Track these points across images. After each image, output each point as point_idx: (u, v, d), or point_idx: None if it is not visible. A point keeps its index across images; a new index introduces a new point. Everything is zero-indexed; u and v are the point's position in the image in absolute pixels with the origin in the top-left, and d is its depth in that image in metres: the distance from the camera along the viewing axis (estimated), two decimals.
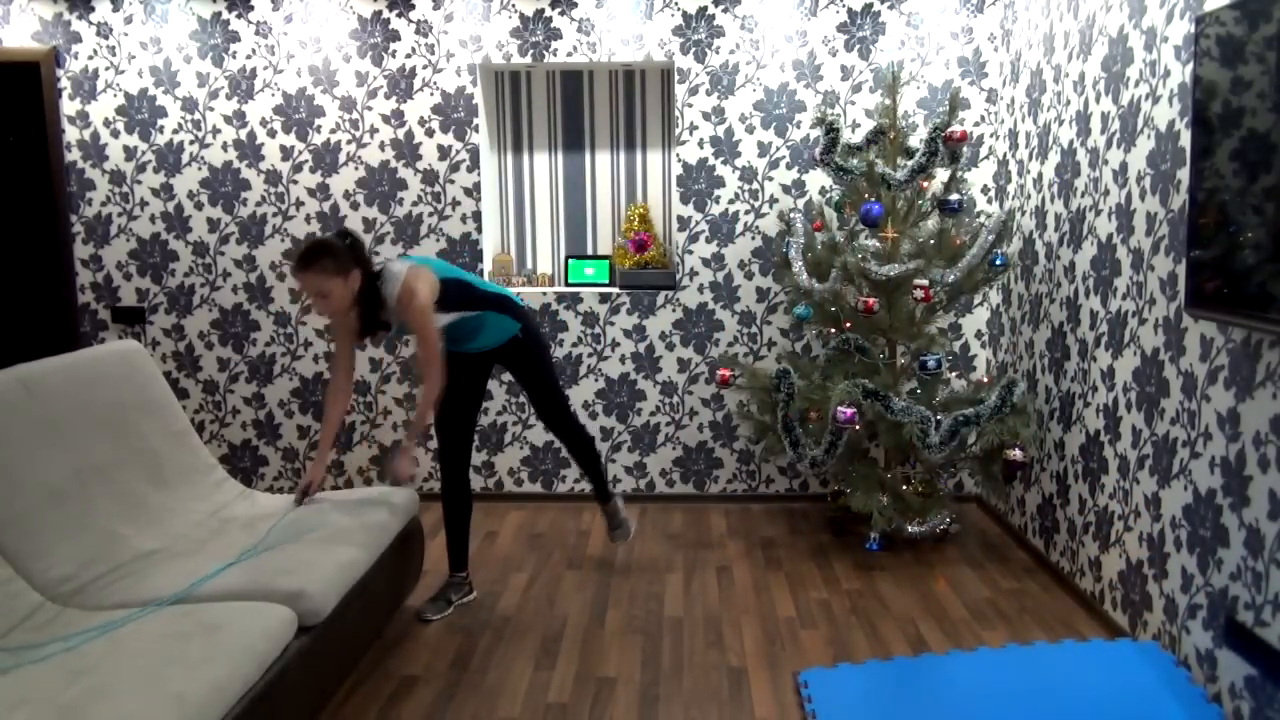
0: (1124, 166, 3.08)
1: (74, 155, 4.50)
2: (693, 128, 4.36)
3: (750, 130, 4.35)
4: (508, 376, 4.52)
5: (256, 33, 4.38)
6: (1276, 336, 2.29)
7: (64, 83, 4.45)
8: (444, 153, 4.42)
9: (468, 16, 4.33)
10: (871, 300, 3.68)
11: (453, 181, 4.44)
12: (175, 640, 2.15)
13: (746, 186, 4.40)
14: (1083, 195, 3.40)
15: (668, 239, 4.68)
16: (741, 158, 4.38)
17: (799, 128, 4.34)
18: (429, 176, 4.44)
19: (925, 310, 3.80)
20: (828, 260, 3.91)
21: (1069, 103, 3.52)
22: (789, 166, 4.37)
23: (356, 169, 4.45)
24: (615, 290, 4.50)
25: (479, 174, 4.44)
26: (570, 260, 4.65)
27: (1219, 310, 2.38)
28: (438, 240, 4.47)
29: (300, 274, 2.90)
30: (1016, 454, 3.56)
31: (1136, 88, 3.00)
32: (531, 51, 4.34)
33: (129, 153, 4.49)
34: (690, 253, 4.45)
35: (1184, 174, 2.69)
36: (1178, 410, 2.75)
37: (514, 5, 4.31)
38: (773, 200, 4.39)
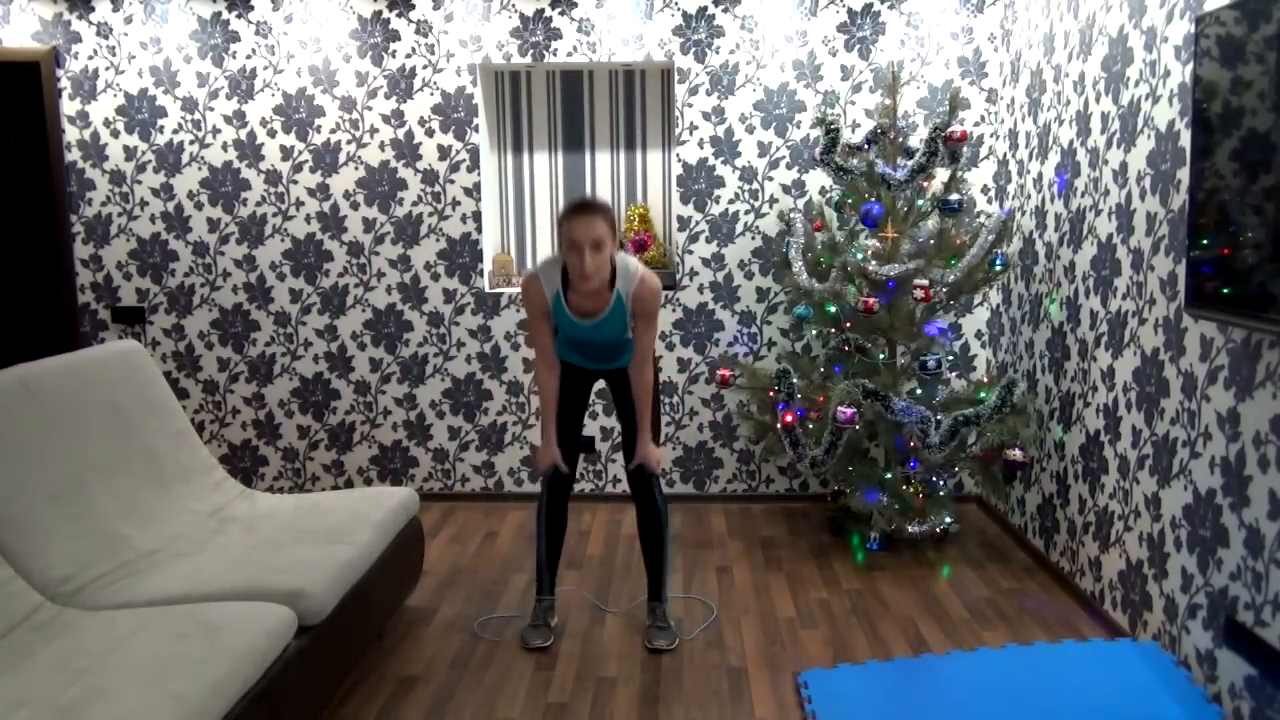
0: (1124, 166, 3.08)
1: (74, 155, 4.50)
2: (693, 128, 4.36)
3: (750, 130, 4.35)
4: (507, 376, 4.52)
5: (256, 33, 4.38)
6: (1276, 336, 2.29)
7: (64, 83, 4.45)
8: (444, 153, 4.42)
9: (468, 16, 4.33)
10: (871, 300, 3.68)
11: (453, 181, 4.44)
12: (175, 640, 2.15)
13: (746, 186, 4.40)
14: (1083, 195, 3.40)
15: (668, 239, 4.68)
16: (741, 158, 4.37)
17: (799, 128, 4.34)
18: (429, 176, 4.44)
19: (925, 310, 3.80)
20: (828, 260, 3.91)
21: (1069, 103, 3.52)
22: (789, 166, 4.37)
23: (356, 169, 4.45)
24: None
25: (479, 174, 4.44)
26: None
27: (1219, 310, 2.38)
28: (438, 240, 4.47)
29: (587, 217, 2.78)
30: (1016, 454, 3.56)
31: (1136, 88, 3.00)
32: (531, 51, 4.34)
33: (129, 153, 4.49)
34: (690, 253, 4.45)
35: (1184, 174, 2.69)
36: (1178, 410, 2.75)
37: (514, 5, 4.31)
38: (773, 200, 4.39)
